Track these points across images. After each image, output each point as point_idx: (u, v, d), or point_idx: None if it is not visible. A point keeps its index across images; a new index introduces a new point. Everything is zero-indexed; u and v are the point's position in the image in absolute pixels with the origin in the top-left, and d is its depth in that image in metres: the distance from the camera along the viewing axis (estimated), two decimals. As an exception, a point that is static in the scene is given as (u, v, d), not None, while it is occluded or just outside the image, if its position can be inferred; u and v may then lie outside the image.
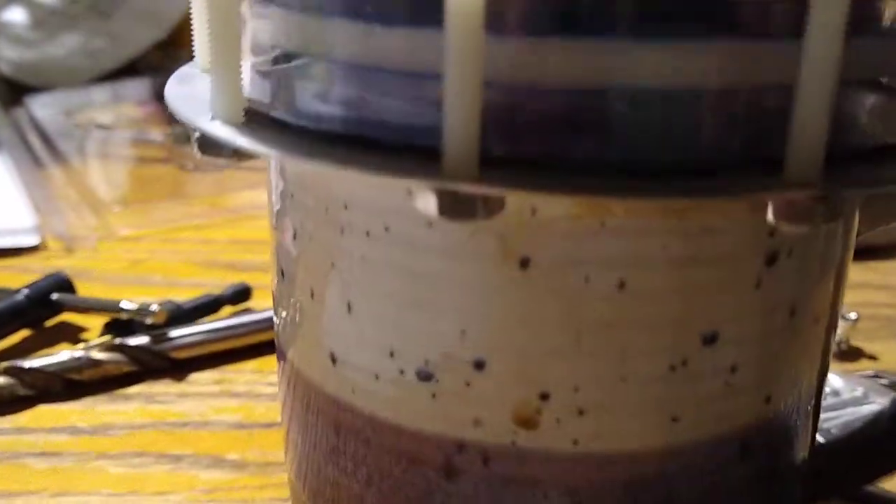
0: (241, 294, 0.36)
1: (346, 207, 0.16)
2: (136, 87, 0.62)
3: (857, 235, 0.20)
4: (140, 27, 0.65)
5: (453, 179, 0.12)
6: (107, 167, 0.51)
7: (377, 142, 0.14)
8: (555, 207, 0.14)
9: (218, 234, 0.43)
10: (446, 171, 0.13)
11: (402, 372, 0.16)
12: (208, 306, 0.35)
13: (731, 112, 0.14)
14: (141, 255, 0.40)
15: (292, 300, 0.18)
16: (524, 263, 0.15)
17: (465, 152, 0.13)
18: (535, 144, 0.14)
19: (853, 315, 0.34)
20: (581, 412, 0.16)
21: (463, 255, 0.15)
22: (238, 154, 0.14)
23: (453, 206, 0.13)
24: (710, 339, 0.15)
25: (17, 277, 0.36)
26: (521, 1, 0.13)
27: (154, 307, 0.32)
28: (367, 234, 0.16)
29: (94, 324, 0.34)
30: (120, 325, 0.32)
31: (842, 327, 0.34)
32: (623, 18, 0.13)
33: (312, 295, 0.17)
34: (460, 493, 0.17)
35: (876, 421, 0.23)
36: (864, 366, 0.34)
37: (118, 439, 0.28)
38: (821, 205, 0.12)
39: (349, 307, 0.16)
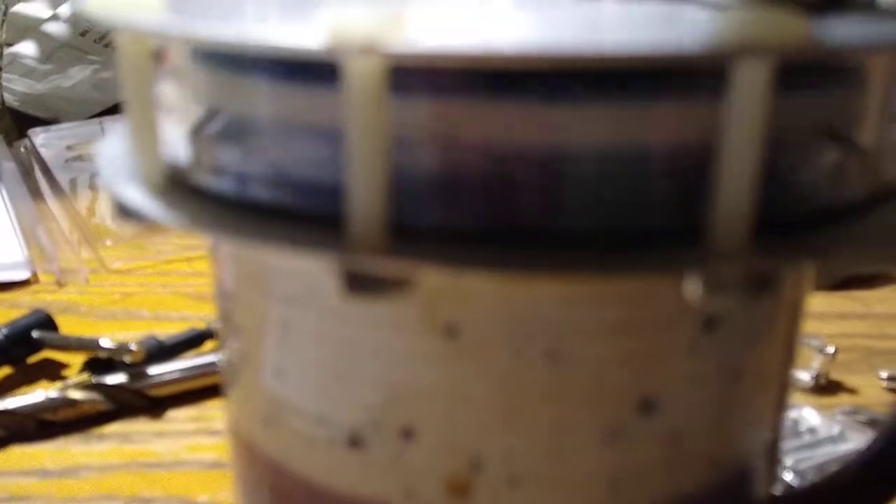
0: (224, 328, 0.35)
1: (271, 274, 0.15)
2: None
3: (819, 290, 0.19)
4: (149, 59, 0.65)
5: (357, 254, 0.11)
6: (104, 200, 0.50)
7: (298, 211, 0.13)
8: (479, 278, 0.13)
9: (209, 267, 0.42)
10: (351, 246, 0.11)
11: (332, 438, 0.15)
12: (191, 341, 0.34)
13: (663, 180, 0.12)
14: (131, 289, 0.39)
15: (230, 362, 0.17)
16: (451, 332, 0.14)
17: (370, 225, 0.11)
18: (455, 216, 0.13)
19: (831, 349, 0.32)
20: (514, 482, 0.14)
21: (385, 324, 0.14)
22: (154, 226, 0.13)
23: (359, 284, 0.11)
24: (647, 407, 0.14)
25: (4, 313, 0.35)
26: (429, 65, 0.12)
27: (132, 345, 0.31)
28: (292, 301, 0.14)
29: (75, 360, 0.33)
30: (99, 363, 0.31)
31: (820, 361, 0.33)
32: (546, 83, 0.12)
33: (247, 358, 0.16)
34: (397, 560, 0.15)
35: (845, 469, 0.22)
36: (843, 400, 0.32)
37: (88, 481, 0.27)
38: (745, 278, 0.11)
39: (280, 372, 0.15)
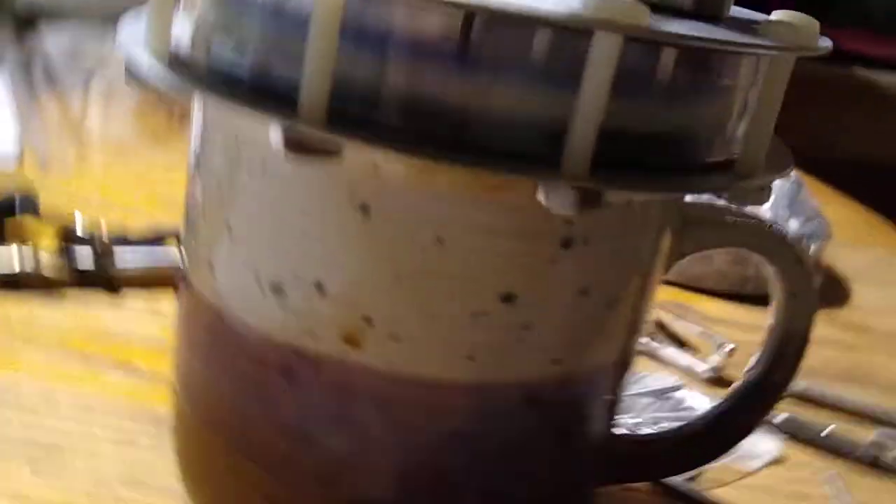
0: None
1: (236, 141, 0.19)
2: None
3: (683, 256, 0.24)
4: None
5: (299, 122, 0.16)
6: (98, 103, 0.55)
7: (269, 90, 0.18)
8: (392, 165, 0.18)
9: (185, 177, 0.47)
10: (299, 115, 0.16)
11: (260, 285, 0.20)
12: (154, 237, 0.38)
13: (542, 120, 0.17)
14: (111, 185, 0.44)
15: (190, 219, 0.22)
16: (364, 209, 0.18)
17: (315, 103, 0.16)
18: (383, 117, 0.17)
19: (729, 346, 0.38)
20: (396, 338, 0.19)
21: (318, 192, 0.19)
22: (155, 89, 0.18)
23: (298, 146, 0.16)
24: (507, 298, 0.19)
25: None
26: None
27: (103, 222, 0.36)
28: (249, 166, 0.19)
29: (49, 233, 0.37)
30: (71, 235, 0.36)
31: (718, 356, 0.38)
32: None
33: (203, 215, 0.21)
34: (297, 393, 0.20)
35: (692, 423, 0.27)
36: (731, 392, 0.37)
37: (45, 332, 0.31)
38: (577, 194, 0.16)
39: (228, 226, 0.20)
